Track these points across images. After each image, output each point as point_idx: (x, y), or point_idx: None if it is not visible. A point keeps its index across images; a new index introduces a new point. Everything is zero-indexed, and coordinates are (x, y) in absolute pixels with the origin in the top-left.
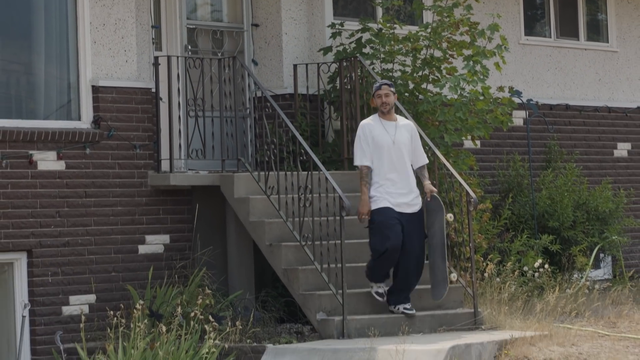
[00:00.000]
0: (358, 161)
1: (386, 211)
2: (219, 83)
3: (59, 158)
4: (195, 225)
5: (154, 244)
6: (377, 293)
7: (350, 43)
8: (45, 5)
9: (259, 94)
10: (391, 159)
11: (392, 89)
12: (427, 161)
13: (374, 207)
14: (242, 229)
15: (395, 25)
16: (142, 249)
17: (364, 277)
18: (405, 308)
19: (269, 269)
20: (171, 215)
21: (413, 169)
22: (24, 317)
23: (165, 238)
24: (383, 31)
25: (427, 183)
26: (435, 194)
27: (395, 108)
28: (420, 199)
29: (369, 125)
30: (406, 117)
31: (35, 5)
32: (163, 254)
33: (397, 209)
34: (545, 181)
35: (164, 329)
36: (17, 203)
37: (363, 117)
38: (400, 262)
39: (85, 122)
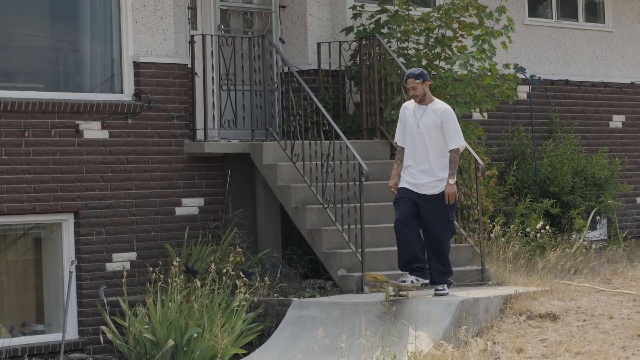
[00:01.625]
0: (395, 138)
1: (401, 191)
2: (249, 60)
3: (103, 128)
4: (227, 189)
5: (190, 206)
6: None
7: (370, 24)
8: None
9: (285, 69)
10: (414, 141)
11: (418, 80)
12: (453, 147)
13: (399, 185)
14: (270, 193)
15: (410, 7)
16: (179, 211)
17: (381, 237)
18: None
19: (294, 230)
20: (205, 180)
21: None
22: (71, 272)
23: (200, 201)
24: (399, 13)
25: (447, 182)
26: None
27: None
28: (444, 183)
29: (404, 108)
30: None
31: None
32: (198, 216)
33: (415, 190)
34: (546, 150)
35: (199, 284)
36: (65, 169)
37: (380, 91)
38: (424, 241)
39: (127, 95)
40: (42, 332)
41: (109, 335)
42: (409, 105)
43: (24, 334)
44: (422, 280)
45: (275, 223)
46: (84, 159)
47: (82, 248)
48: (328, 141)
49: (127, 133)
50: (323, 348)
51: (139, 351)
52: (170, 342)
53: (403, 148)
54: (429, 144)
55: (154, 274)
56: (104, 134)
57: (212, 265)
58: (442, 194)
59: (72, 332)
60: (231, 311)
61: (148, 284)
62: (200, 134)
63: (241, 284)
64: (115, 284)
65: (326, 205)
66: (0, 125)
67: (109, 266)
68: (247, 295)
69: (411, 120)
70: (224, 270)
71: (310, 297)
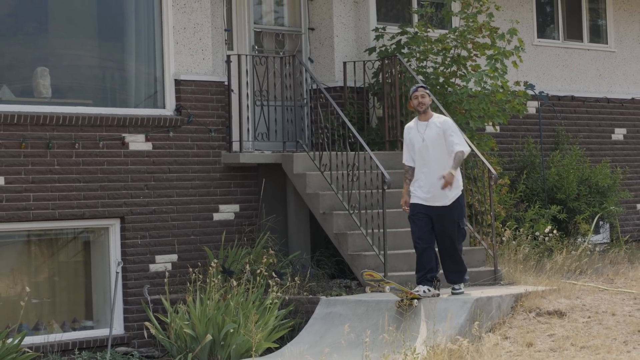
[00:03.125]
0: (403, 160)
1: (414, 207)
2: (281, 77)
3: (147, 140)
4: (261, 197)
5: (226, 212)
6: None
7: (391, 44)
8: (135, 12)
9: (314, 86)
10: (422, 155)
11: (427, 91)
12: (456, 150)
13: (410, 202)
14: (300, 200)
15: (428, 29)
16: (216, 217)
17: (402, 240)
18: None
19: (322, 233)
20: (240, 188)
21: None
22: (117, 273)
23: (236, 207)
24: (418, 34)
25: (447, 171)
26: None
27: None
28: (455, 192)
29: (408, 128)
30: (441, 111)
31: (127, 12)
32: (234, 221)
33: (426, 203)
34: (554, 160)
35: (235, 283)
36: (111, 178)
37: (401, 106)
38: (438, 247)
39: (169, 110)
40: (91, 328)
41: (152, 331)
42: (412, 124)
43: (74, 330)
44: (433, 291)
45: (305, 227)
46: (129, 169)
47: (127, 250)
48: (353, 152)
49: (168, 145)
50: (349, 342)
51: (180, 345)
52: (209, 337)
53: (411, 167)
54: (434, 155)
55: (194, 274)
56: (147, 146)
57: (247, 267)
58: (452, 204)
59: (118, 328)
60: (264, 308)
61: (188, 284)
62: (235, 146)
63: (273, 283)
64: (158, 284)
65: (351, 211)
66: (53, 138)
67: (153, 267)
68: (279, 293)
69: (416, 136)
70: (258, 271)
71: (337, 295)
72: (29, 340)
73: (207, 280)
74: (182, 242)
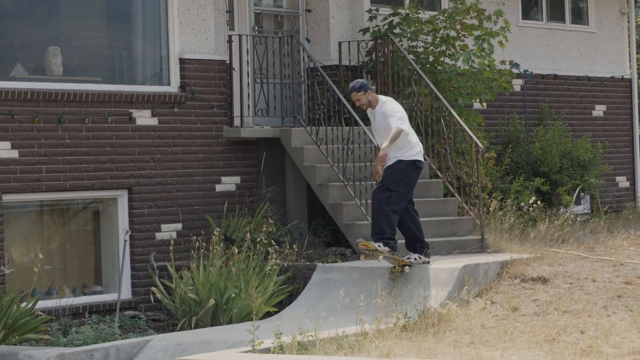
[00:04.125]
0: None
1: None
2: (280, 56)
3: (153, 115)
4: (261, 169)
5: (228, 183)
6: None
7: (384, 25)
8: None
9: (311, 65)
10: (378, 137)
11: (360, 92)
12: (392, 126)
13: None
14: (298, 172)
15: (419, 11)
16: (219, 188)
17: None
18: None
19: (318, 204)
20: (241, 161)
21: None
22: (125, 241)
23: (237, 179)
24: (410, 16)
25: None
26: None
27: (416, 76)
28: (393, 158)
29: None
30: (431, 88)
31: None
32: (235, 192)
33: None
34: (537, 135)
35: (236, 251)
36: (119, 151)
37: (393, 83)
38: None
39: (173, 87)
40: (101, 293)
41: (158, 295)
42: (369, 112)
43: (84, 294)
44: (424, 259)
45: (302, 198)
46: (137, 143)
47: (135, 220)
48: (348, 127)
49: (173, 120)
50: (344, 306)
51: (184, 309)
52: (212, 301)
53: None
54: (385, 136)
55: (197, 242)
56: (153, 121)
57: (248, 235)
58: (386, 167)
59: (126, 293)
60: (264, 275)
61: (192, 251)
62: (237, 121)
63: (273, 251)
64: (163, 251)
65: (346, 183)
66: (64, 113)
67: (158, 235)
68: (278, 260)
69: (372, 123)
70: (258, 239)
71: (332, 262)
72: (42, 304)
73: (210, 248)
74: (186, 212)
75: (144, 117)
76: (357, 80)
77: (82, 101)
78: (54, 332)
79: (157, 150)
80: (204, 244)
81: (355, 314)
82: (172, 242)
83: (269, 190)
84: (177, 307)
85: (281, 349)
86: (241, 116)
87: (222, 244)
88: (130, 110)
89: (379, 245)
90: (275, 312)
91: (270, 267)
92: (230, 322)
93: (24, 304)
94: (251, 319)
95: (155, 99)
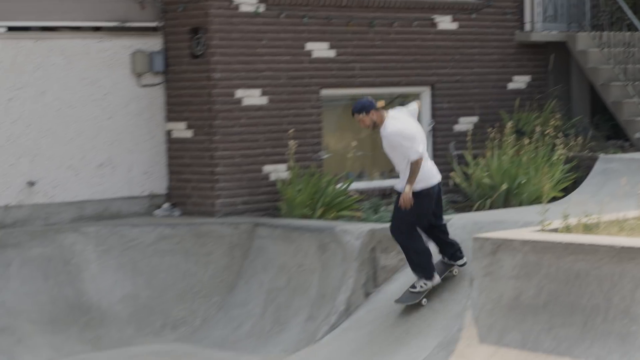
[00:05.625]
0: None
1: None
2: None
3: (453, 21)
4: (548, 70)
5: (519, 82)
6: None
7: None
8: None
9: None
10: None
11: (362, 114)
12: (409, 158)
13: None
14: (581, 73)
15: None
16: (510, 86)
17: None
18: None
19: (599, 101)
20: (531, 62)
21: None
22: (429, 131)
23: (527, 78)
24: None
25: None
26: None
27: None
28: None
29: None
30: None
31: None
32: (525, 89)
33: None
34: None
35: (526, 142)
36: (423, 52)
37: None
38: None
39: None
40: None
41: (457, 180)
42: None
43: (391, 178)
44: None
45: (585, 96)
46: (438, 45)
47: (436, 113)
48: (629, 32)
49: (471, 25)
50: (624, 193)
51: (479, 193)
52: (504, 186)
53: None
54: (392, 158)
55: (491, 134)
56: (453, 26)
57: (537, 128)
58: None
59: None
60: (551, 163)
61: (486, 142)
62: (527, 26)
63: (559, 142)
64: (460, 141)
65: (626, 83)
66: (375, 18)
67: (456, 127)
68: (563, 151)
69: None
70: (546, 132)
71: (613, 153)
72: (354, 185)
73: (502, 139)
74: (481, 106)
75: (444, 22)
76: (359, 100)
77: (391, 7)
78: (365, 210)
79: (456, 52)
80: (497, 136)
81: (635, 200)
82: (468, 133)
83: (555, 88)
84: (473, 191)
85: (568, 229)
86: (532, 22)
87: (513, 136)
88: (433, 16)
89: (421, 286)
90: (561, 197)
91: (556, 157)
92: (520, 205)
93: (339, 185)
94: (540, 202)
95: (455, 6)
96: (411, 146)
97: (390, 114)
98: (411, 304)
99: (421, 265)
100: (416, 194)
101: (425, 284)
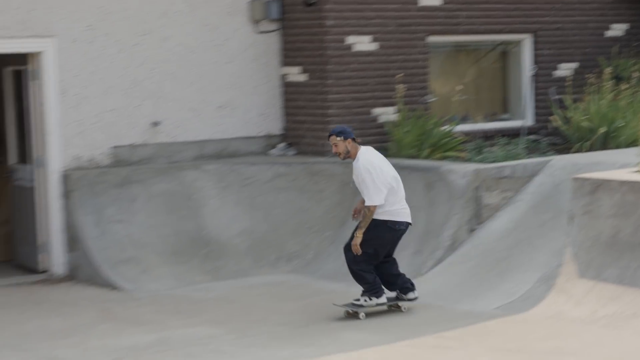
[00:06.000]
0: None
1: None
2: None
3: None
4: None
5: (617, 30)
6: None
7: None
8: None
9: None
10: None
11: (339, 137)
12: (368, 204)
13: None
14: None
15: None
16: (608, 33)
17: None
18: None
19: None
20: (629, 10)
21: None
22: (530, 77)
23: (624, 26)
24: None
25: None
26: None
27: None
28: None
29: None
30: None
31: None
32: (623, 37)
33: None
34: None
35: (624, 87)
36: (526, 0)
37: None
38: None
39: None
40: (508, 119)
41: (556, 123)
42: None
43: (494, 121)
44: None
45: None
46: None
47: (537, 59)
48: None
49: None
50: None
51: (578, 135)
52: (603, 129)
53: None
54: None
55: (590, 79)
56: None
57: (634, 74)
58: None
59: (529, 120)
60: None
61: (585, 87)
62: None
63: None
64: (560, 86)
65: None
66: None
67: (556, 73)
68: None
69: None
70: None
71: None
72: (459, 128)
73: (601, 84)
74: (580, 53)
75: None
76: (341, 125)
77: None
78: (469, 151)
79: (557, 0)
80: (596, 81)
81: None
82: (568, 78)
83: None
84: (572, 134)
85: None
86: None
87: (611, 81)
88: None
89: (365, 300)
90: None
91: None
92: (617, 147)
93: (444, 127)
94: (636, 145)
95: None
96: (373, 189)
97: (364, 150)
98: (351, 311)
99: (369, 282)
100: (380, 224)
101: (370, 298)
